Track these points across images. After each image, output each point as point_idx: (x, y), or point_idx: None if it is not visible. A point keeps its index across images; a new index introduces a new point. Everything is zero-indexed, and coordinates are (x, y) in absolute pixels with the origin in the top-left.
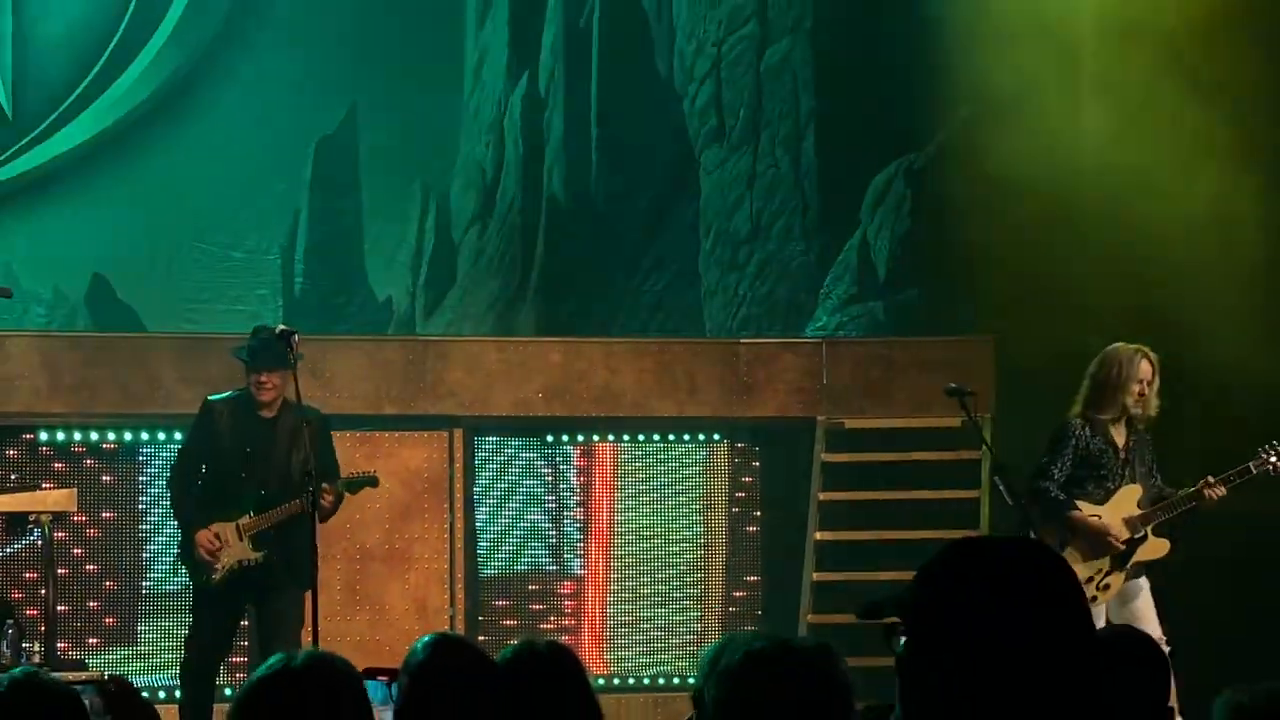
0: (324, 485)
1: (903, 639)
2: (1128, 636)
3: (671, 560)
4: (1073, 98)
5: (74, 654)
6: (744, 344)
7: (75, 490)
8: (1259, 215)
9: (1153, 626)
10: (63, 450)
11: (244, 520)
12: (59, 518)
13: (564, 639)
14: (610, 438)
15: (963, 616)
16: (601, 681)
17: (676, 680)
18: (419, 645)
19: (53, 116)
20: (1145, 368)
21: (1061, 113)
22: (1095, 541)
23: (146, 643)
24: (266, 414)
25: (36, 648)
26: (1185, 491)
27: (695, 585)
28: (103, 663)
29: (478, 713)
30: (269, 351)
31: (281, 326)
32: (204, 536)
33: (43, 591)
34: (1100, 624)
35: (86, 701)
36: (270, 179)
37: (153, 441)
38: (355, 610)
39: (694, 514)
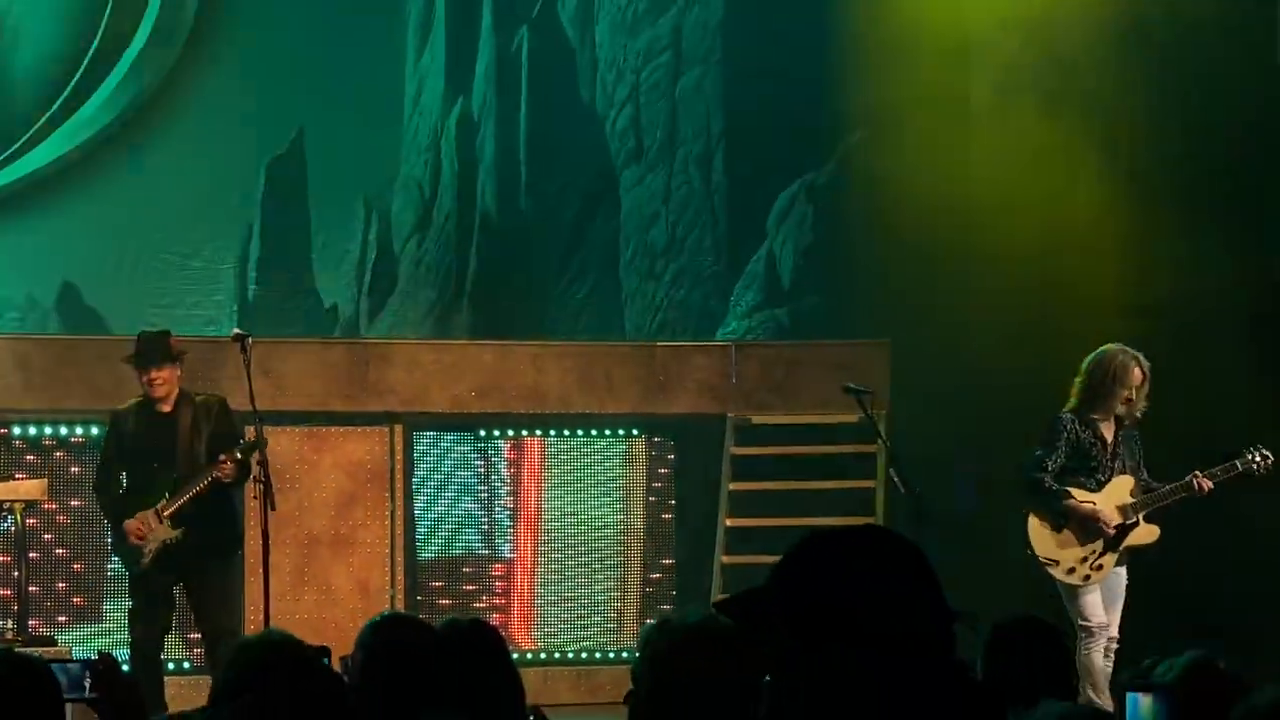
0: (221, 456)
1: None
2: (1030, 620)
3: (593, 545)
4: (963, 116)
5: (45, 630)
6: (660, 347)
7: (46, 481)
8: (1134, 228)
9: (1113, 628)
10: (34, 444)
11: (160, 504)
12: (31, 506)
13: (494, 617)
14: (538, 432)
15: (820, 601)
16: (530, 656)
17: (599, 655)
18: (371, 622)
19: (25, 137)
20: (1136, 375)
21: (952, 130)
22: (1089, 526)
23: (111, 619)
24: (165, 408)
25: (10, 625)
26: (1175, 484)
27: (615, 568)
28: (71, 639)
29: (426, 683)
30: (152, 352)
31: (235, 331)
32: (131, 525)
33: (16, 574)
34: (1096, 598)
35: (64, 679)
36: (226, 195)
37: None
38: (303, 591)
39: (614, 502)
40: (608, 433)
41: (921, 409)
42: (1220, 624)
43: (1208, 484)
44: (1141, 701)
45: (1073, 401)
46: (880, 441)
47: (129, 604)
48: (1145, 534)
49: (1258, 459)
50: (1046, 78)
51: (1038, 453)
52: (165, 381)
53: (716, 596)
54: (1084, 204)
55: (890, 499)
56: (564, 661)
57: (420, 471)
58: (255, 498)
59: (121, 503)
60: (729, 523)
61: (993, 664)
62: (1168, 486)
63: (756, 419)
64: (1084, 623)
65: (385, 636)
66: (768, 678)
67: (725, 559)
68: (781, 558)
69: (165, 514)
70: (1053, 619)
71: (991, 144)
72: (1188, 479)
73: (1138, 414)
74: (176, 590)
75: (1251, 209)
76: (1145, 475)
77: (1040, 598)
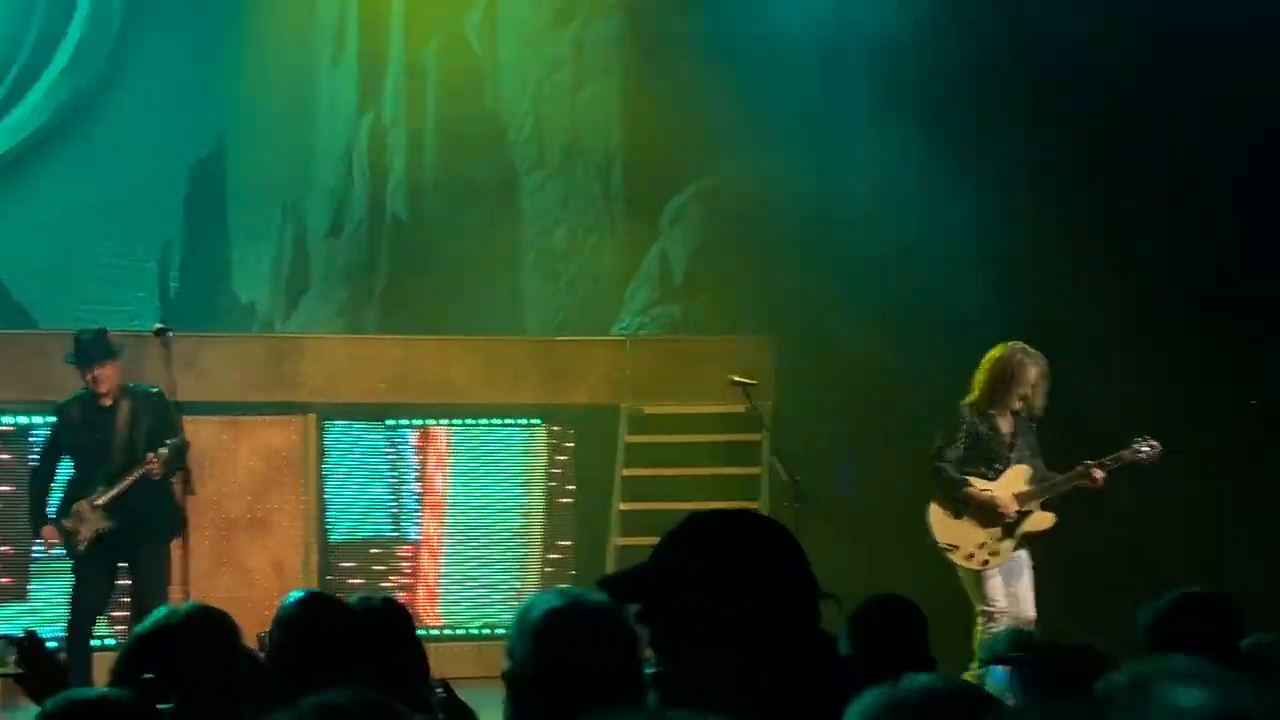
0: (149, 454)
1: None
2: (891, 599)
3: (496, 528)
4: (841, 125)
5: None
6: (559, 341)
7: None
8: (1001, 227)
9: (1028, 607)
10: None
11: (95, 495)
12: None
13: (402, 596)
14: (444, 422)
15: (696, 578)
16: (435, 632)
17: (500, 631)
18: (289, 600)
19: None
20: (1032, 374)
21: (832, 138)
22: (987, 512)
23: (37, 599)
24: (106, 402)
25: None
26: (1067, 474)
27: (516, 550)
28: None
29: (339, 657)
30: (93, 350)
31: (157, 325)
32: (46, 532)
33: None
34: (998, 584)
35: None
36: (151, 196)
37: (46, 425)
38: (221, 572)
39: (516, 488)
40: (510, 422)
41: (803, 400)
42: (1086, 602)
43: (1099, 473)
44: (1002, 673)
45: (973, 395)
46: (764, 431)
47: (70, 585)
48: (1040, 520)
49: (1145, 449)
50: (925, 86)
51: (938, 444)
52: (109, 378)
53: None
54: (959, 210)
55: (773, 484)
56: (467, 637)
57: (332, 458)
58: (177, 484)
59: (66, 489)
60: (623, 507)
61: (856, 639)
62: (1061, 476)
63: (649, 409)
64: (985, 607)
65: (302, 613)
66: (650, 653)
67: (619, 540)
68: (664, 537)
69: (98, 504)
70: (912, 599)
71: (869, 152)
72: (1080, 468)
73: (1037, 411)
74: (118, 573)
75: (1130, 216)
76: (1041, 464)
77: (905, 578)
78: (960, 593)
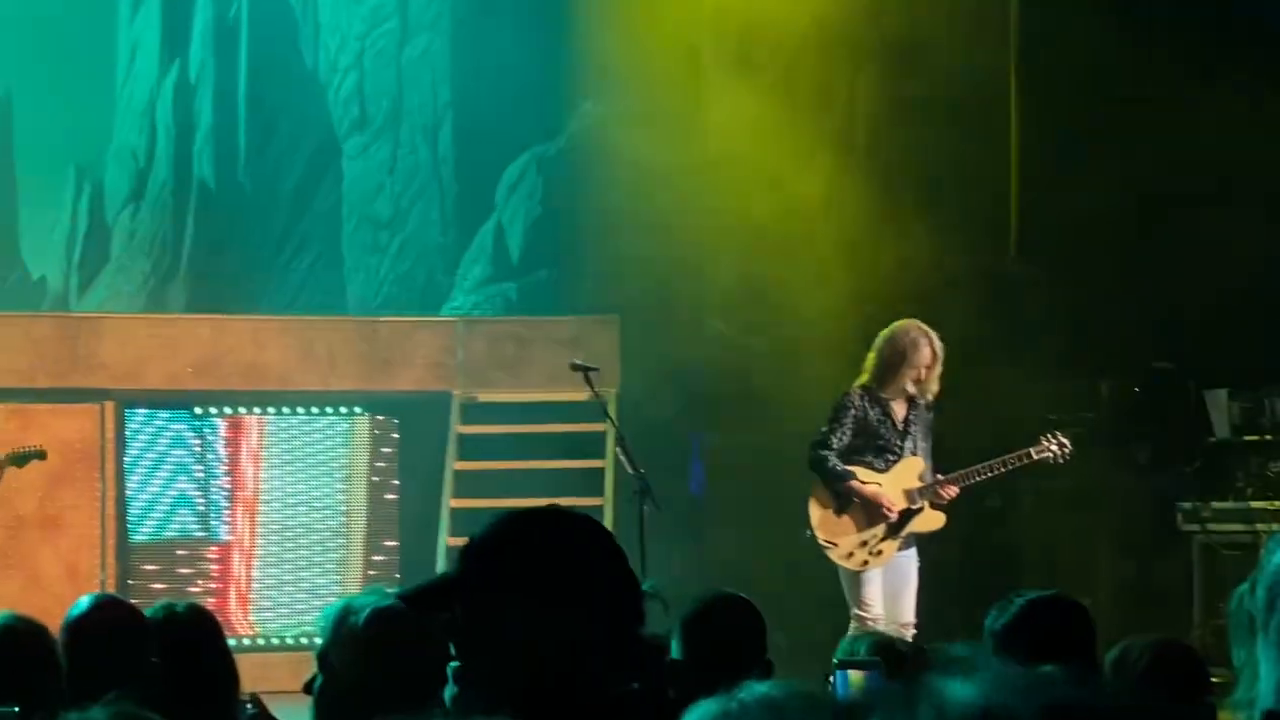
0: None
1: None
2: (726, 598)
3: (314, 527)
4: (695, 91)
5: None
6: (384, 322)
7: None
8: (857, 204)
9: (905, 613)
10: None
11: None
12: None
13: (210, 602)
14: (256, 410)
15: (510, 584)
16: (246, 642)
17: (319, 641)
18: (79, 604)
19: None
20: (926, 354)
21: (683, 104)
22: (871, 509)
23: None
24: None
25: None
26: (964, 470)
27: (337, 550)
28: None
29: (133, 666)
30: None
31: None
32: None
33: None
34: (876, 589)
35: None
36: None
37: None
38: (8, 575)
39: (336, 483)
40: (329, 411)
41: (651, 386)
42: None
43: (975, 477)
44: (851, 677)
45: (863, 377)
46: (608, 420)
47: None
48: (929, 520)
49: (1054, 447)
50: (778, 56)
51: (823, 430)
52: None
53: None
54: (814, 184)
55: (618, 479)
56: (283, 647)
57: (133, 451)
58: None
59: None
60: (454, 503)
61: (688, 644)
62: (957, 473)
63: (483, 396)
64: (860, 611)
65: (93, 619)
66: (454, 660)
67: (450, 541)
68: (470, 539)
69: None
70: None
71: (722, 122)
72: (983, 465)
73: (929, 395)
74: None
75: (985, 198)
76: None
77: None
78: (837, 595)
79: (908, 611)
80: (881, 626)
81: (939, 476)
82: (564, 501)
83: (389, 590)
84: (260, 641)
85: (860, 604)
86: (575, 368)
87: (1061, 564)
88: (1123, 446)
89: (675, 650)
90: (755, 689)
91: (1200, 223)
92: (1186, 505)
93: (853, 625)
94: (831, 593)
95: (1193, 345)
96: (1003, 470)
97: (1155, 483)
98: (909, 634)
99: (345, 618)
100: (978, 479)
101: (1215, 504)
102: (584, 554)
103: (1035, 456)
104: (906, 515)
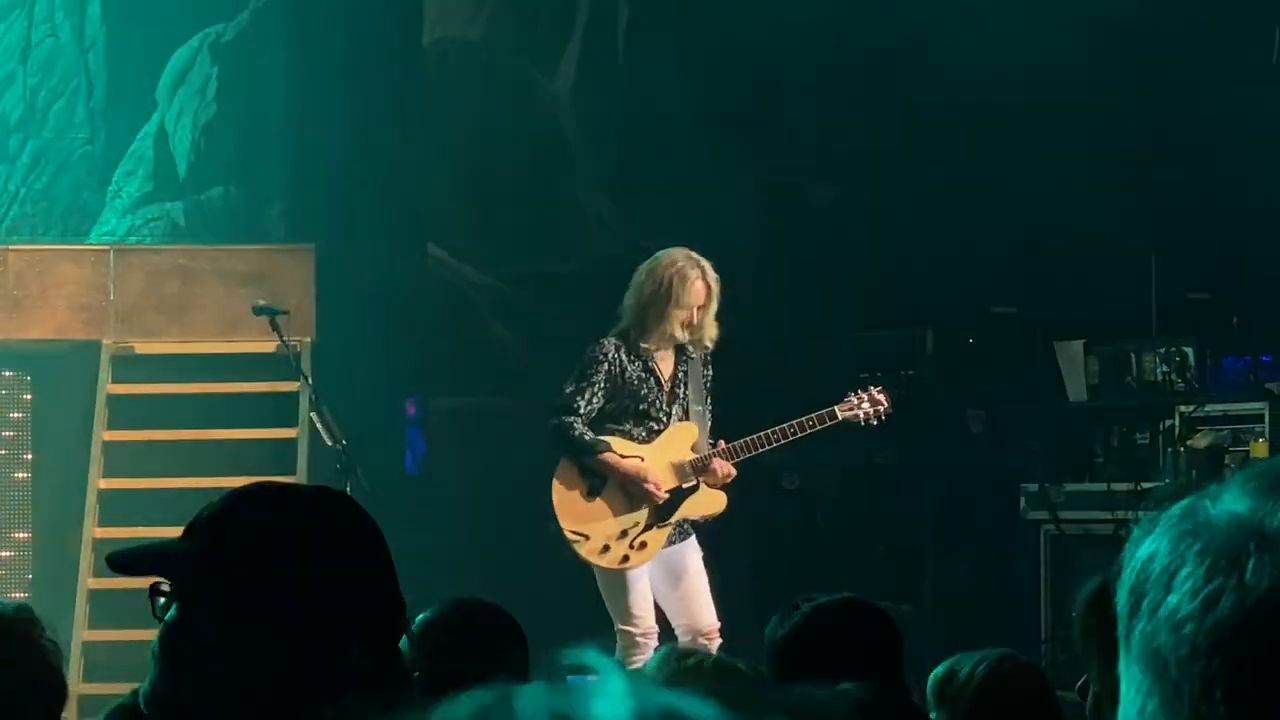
0: None
1: (170, 602)
2: (489, 610)
3: None
4: None
5: None
6: (14, 251)
7: None
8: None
9: (706, 612)
10: None
11: None
12: None
13: None
14: None
15: (243, 570)
16: None
17: None
18: None
19: None
20: (699, 290)
21: None
22: (631, 489)
23: None
24: None
25: None
26: (751, 437)
27: None
28: None
29: None
30: None
31: None
32: None
33: None
34: (643, 593)
35: None
36: None
37: None
38: None
39: None
40: None
41: (357, 335)
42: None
43: (761, 445)
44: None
45: (620, 324)
46: (302, 378)
47: None
48: (707, 502)
49: (865, 405)
50: None
51: (567, 389)
52: None
53: (87, 579)
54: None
55: (315, 452)
56: None
57: None
58: None
59: None
60: (103, 484)
61: (422, 653)
62: (738, 441)
63: (141, 347)
64: (624, 626)
65: None
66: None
67: (99, 531)
68: (196, 518)
69: None
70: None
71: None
72: (772, 430)
73: (707, 343)
74: None
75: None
76: (710, 420)
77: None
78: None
79: (704, 616)
80: (651, 643)
81: (720, 446)
82: (244, 480)
83: (7, 602)
84: None
85: (626, 613)
86: (260, 311)
87: (874, 559)
88: (952, 412)
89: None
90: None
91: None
92: (1032, 487)
93: (619, 641)
94: (595, 594)
95: (1040, 287)
96: (798, 435)
97: (993, 458)
98: (714, 645)
99: None
100: (765, 448)
101: (1069, 486)
102: (343, 548)
103: (840, 415)
104: (677, 496)
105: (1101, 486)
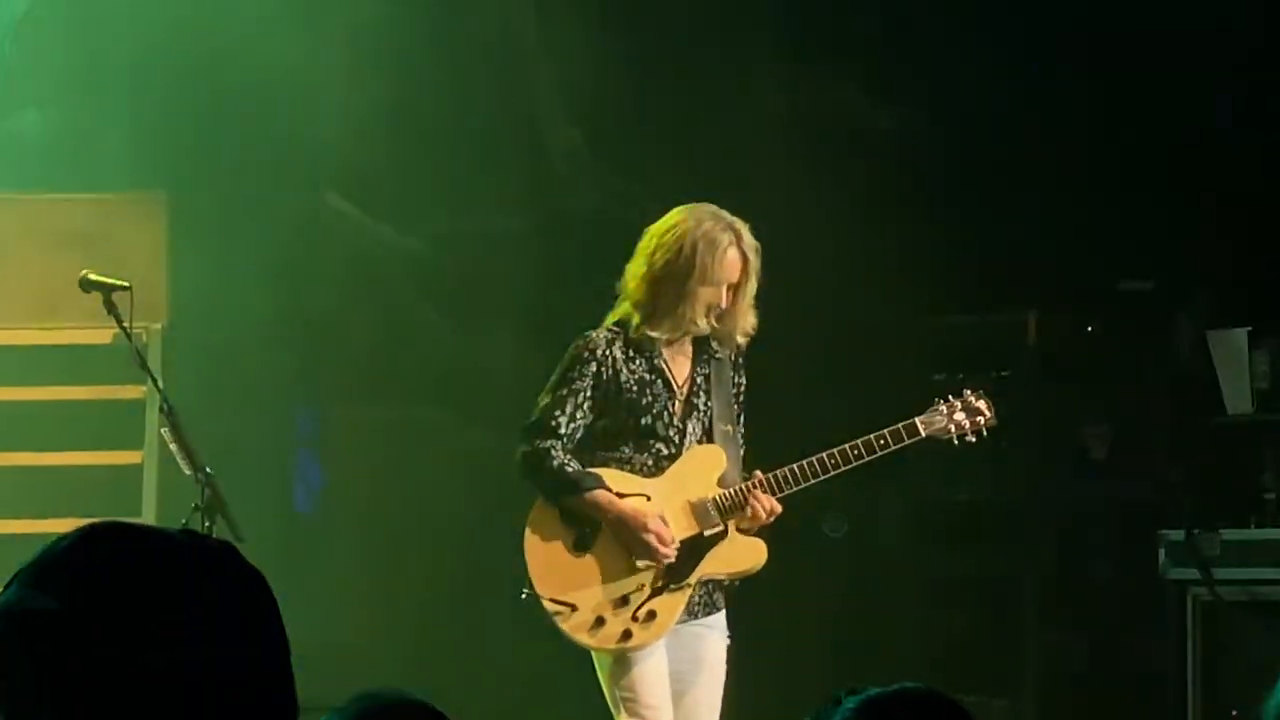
0: None
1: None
2: (413, 708)
3: None
4: None
5: None
6: None
7: None
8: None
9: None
10: None
11: None
12: None
13: None
14: None
15: (102, 647)
16: None
17: None
18: None
19: None
20: (732, 261)
21: None
22: (632, 540)
23: None
24: None
25: None
26: (802, 463)
27: None
28: None
29: None
30: None
31: None
32: None
33: None
34: (654, 679)
35: None
36: None
37: None
38: None
39: None
40: None
41: (224, 322)
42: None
43: (813, 475)
44: None
45: (621, 308)
46: (150, 381)
47: None
48: (739, 555)
49: (958, 415)
50: None
51: (543, 403)
52: None
53: None
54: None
55: (163, 483)
56: None
57: None
58: None
59: None
60: None
61: None
62: (784, 469)
63: None
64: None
65: None
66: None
67: None
68: (37, 559)
69: None
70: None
71: None
72: (828, 454)
73: (739, 337)
74: None
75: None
76: (741, 441)
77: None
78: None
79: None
80: None
81: (757, 478)
82: (78, 522)
83: None
84: None
85: (633, 702)
86: (90, 286)
87: (951, 634)
88: (1063, 429)
89: None
90: None
91: None
92: (1175, 535)
93: None
94: (577, 679)
95: (1187, 255)
96: (864, 458)
97: (1121, 493)
98: None
99: None
100: (818, 478)
101: (1226, 534)
102: (221, 621)
103: (924, 431)
104: (697, 548)
105: (1274, 534)
